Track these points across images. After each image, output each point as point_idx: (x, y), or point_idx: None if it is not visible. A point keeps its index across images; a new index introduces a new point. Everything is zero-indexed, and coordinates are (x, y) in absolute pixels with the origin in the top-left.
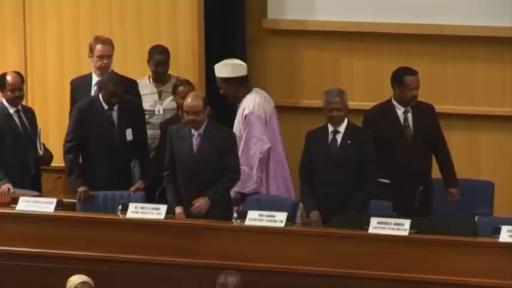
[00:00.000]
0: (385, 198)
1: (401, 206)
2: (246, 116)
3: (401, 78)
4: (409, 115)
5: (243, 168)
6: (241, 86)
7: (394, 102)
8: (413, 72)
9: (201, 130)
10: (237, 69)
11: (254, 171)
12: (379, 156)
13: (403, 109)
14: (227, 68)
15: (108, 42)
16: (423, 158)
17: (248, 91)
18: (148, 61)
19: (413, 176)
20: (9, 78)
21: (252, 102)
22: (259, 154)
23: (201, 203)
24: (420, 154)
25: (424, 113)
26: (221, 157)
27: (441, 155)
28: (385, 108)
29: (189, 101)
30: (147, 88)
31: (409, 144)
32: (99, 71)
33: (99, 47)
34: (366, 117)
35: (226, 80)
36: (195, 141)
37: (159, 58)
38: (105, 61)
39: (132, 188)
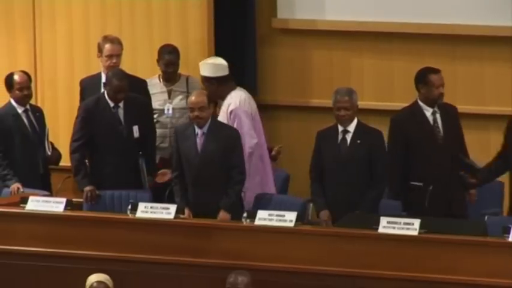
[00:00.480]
0: (419, 202)
1: (435, 209)
2: (232, 111)
3: (425, 77)
4: (438, 116)
5: None
6: (223, 85)
7: (420, 103)
8: (437, 71)
9: (205, 129)
10: (217, 69)
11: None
12: (409, 158)
13: (431, 110)
14: (207, 68)
15: (116, 42)
16: (453, 158)
17: (231, 89)
18: (158, 61)
19: (444, 177)
20: (16, 77)
21: (238, 98)
22: (248, 149)
23: (222, 218)
24: (450, 155)
25: (450, 114)
26: (226, 156)
27: None
28: (413, 110)
29: (193, 98)
30: (156, 87)
31: (439, 145)
32: (108, 71)
33: (107, 46)
34: (393, 120)
35: (207, 79)
36: (199, 141)
37: (168, 58)
38: (114, 60)
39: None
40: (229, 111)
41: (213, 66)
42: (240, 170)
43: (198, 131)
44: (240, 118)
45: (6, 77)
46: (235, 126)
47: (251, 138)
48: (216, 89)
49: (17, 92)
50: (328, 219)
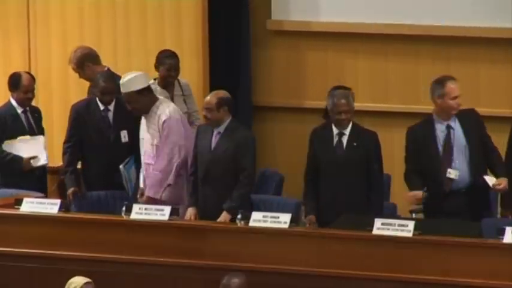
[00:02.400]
0: None
1: None
2: (164, 122)
3: None
4: None
5: (156, 173)
6: (151, 94)
7: None
8: None
9: (221, 129)
10: (146, 78)
11: (170, 177)
12: None
13: None
14: (138, 80)
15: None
16: None
17: (156, 100)
18: (156, 66)
19: None
20: (24, 79)
21: (168, 108)
22: (177, 159)
23: (222, 219)
24: None
25: None
26: (236, 157)
27: None
28: None
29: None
30: (163, 93)
31: None
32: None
33: None
34: None
35: (140, 91)
36: (214, 139)
37: (170, 62)
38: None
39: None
40: (161, 122)
41: (142, 76)
42: (248, 173)
43: (215, 130)
44: (171, 128)
45: (12, 77)
46: (166, 135)
47: (181, 150)
48: (149, 100)
49: (22, 94)
50: (312, 224)
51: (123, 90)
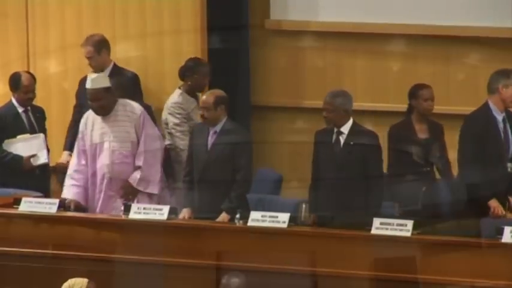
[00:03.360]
0: None
1: None
2: (140, 115)
3: None
4: None
5: (144, 166)
6: (114, 95)
7: None
8: None
9: (218, 128)
10: (108, 79)
11: (158, 171)
12: None
13: None
14: (105, 78)
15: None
16: None
17: (116, 100)
18: (187, 74)
19: None
20: (24, 80)
21: (136, 104)
22: (161, 151)
23: (221, 220)
24: None
25: None
26: (233, 157)
27: None
28: None
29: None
30: (192, 102)
31: None
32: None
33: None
34: None
35: (108, 89)
36: (211, 139)
37: (205, 70)
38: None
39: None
40: (136, 116)
41: (103, 76)
42: (244, 174)
43: (211, 129)
44: (148, 120)
45: (12, 77)
46: (148, 129)
47: (162, 141)
48: (115, 98)
49: (22, 94)
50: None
51: (94, 85)
